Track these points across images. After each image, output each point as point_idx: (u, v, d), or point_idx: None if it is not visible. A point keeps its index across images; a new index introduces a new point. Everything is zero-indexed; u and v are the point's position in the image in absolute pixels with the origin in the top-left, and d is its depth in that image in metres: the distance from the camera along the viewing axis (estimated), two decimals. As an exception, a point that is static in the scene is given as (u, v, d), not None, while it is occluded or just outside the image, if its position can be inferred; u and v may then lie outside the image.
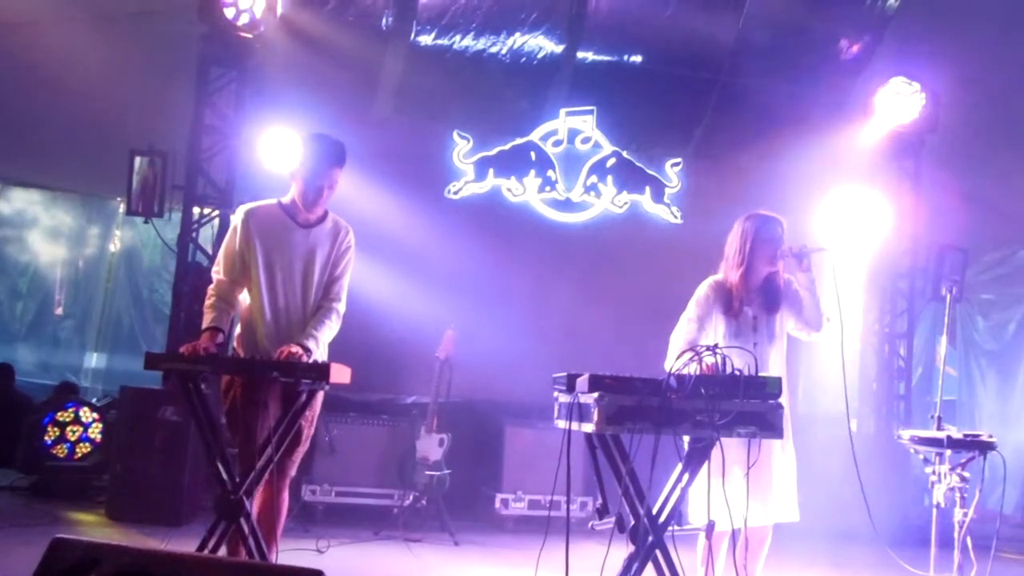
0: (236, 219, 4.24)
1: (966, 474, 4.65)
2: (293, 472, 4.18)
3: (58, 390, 8.59)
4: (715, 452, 3.65)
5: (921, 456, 4.92)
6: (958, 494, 4.66)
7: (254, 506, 3.97)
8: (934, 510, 4.87)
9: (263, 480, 3.88)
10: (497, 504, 7.25)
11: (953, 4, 8.58)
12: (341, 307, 4.26)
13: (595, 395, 3.43)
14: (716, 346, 3.65)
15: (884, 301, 8.95)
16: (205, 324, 4.11)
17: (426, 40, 8.18)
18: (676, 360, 3.61)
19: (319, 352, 4.11)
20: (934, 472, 4.77)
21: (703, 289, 4.48)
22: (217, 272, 4.23)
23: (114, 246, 11.63)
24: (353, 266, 4.37)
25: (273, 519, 4.05)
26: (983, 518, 5.77)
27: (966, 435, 4.62)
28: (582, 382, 3.55)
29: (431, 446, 6.83)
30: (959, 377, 10.72)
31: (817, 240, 4.65)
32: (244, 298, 4.24)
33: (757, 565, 4.39)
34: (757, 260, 4.42)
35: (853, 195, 8.64)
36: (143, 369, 3.90)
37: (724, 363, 3.57)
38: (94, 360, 11.41)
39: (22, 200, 11.11)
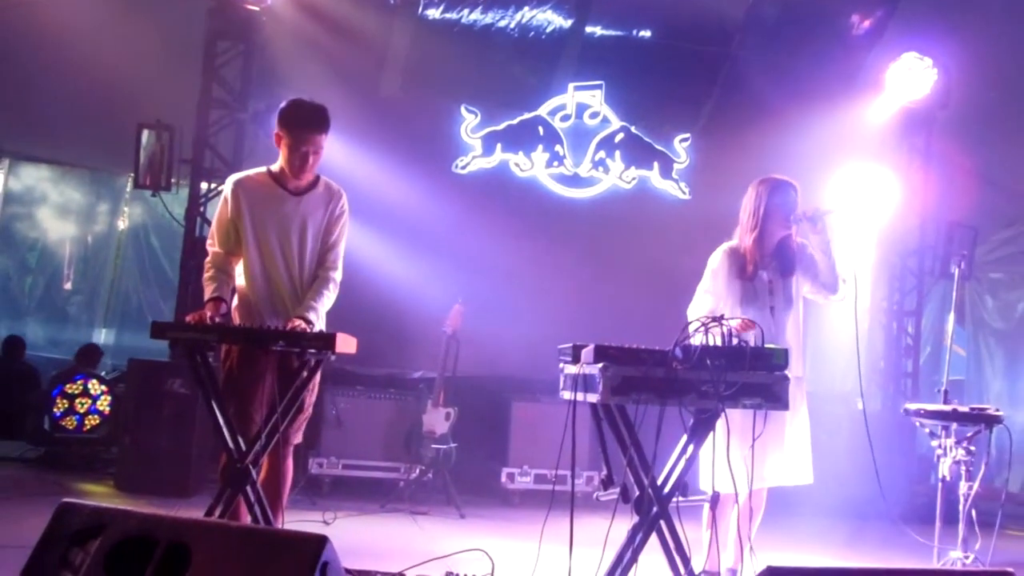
0: (226, 189, 4.22)
1: (972, 448, 4.65)
2: (297, 439, 4.18)
3: (82, 352, 8.57)
4: (724, 423, 3.65)
5: (927, 430, 4.92)
6: (964, 468, 4.66)
7: (260, 475, 4.00)
8: (939, 484, 4.88)
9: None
10: (503, 478, 7.27)
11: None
12: (337, 275, 4.23)
13: (600, 365, 3.43)
14: (722, 317, 3.63)
15: (892, 278, 8.93)
16: (207, 295, 4.10)
17: (434, 14, 8.14)
18: (682, 331, 3.61)
19: (319, 323, 4.10)
20: (940, 446, 4.77)
21: (717, 256, 4.48)
22: (211, 244, 4.21)
23: (123, 222, 11.65)
24: (348, 231, 4.32)
25: (278, 486, 4.06)
26: (989, 495, 5.79)
27: (972, 409, 4.61)
28: (587, 353, 3.55)
29: (438, 420, 6.85)
30: (967, 356, 10.69)
31: (829, 203, 4.63)
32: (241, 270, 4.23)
33: (752, 530, 4.39)
34: (771, 223, 4.42)
35: (863, 171, 8.58)
36: (149, 338, 3.90)
37: (730, 334, 3.56)
38: (103, 336, 11.45)
39: (31, 176, 11.13)
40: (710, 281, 4.46)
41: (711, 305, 4.36)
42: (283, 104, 4.18)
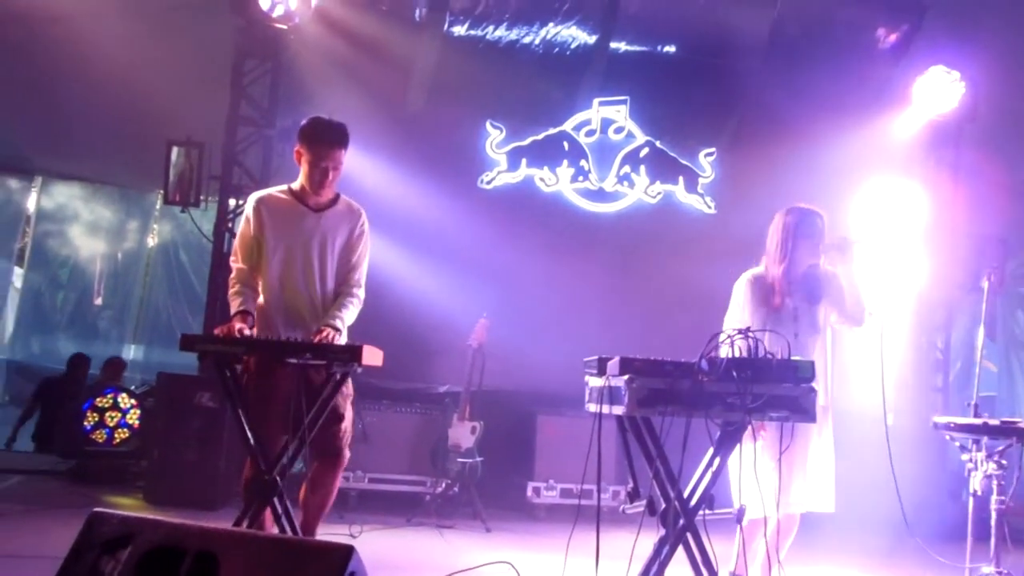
0: (248, 207, 4.28)
1: (1003, 462, 4.59)
2: (341, 447, 4.16)
3: (107, 364, 8.65)
4: (750, 439, 3.63)
5: (958, 444, 4.86)
6: (995, 482, 4.60)
7: (304, 487, 4.09)
8: (970, 499, 4.82)
9: (308, 461, 3.92)
10: (529, 492, 7.26)
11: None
12: (361, 293, 4.28)
13: (626, 378, 3.43)
14: (748, 329, 3.62)
15: (921, 292, 8.83)
16: (234, 310, 4.14)
17: (459, 31, 8.21)
18: (708, 343, 3.60)
19: (342, 336, 4.14)
20: (971, 460, 4.71)
21: (741, 285, 4.45)
22: (235, 261, 4.26)
23: (152, 239, 11.80)
24: (374, 246, 4.38)
25: (323, 497, 4.13)
26: (1021, 512, 5.69)
27: (1004, 422, 4.56)
28: (613, 365, 3.54)
29: (463, 434, 6.86)
30: (999, 372, 10.57)
31: (855, 232, 4.61)
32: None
33: (782, 551, 4.36)
34: (799, 254, 4.39)
35: (891, 185, 8.52)
36: (179, 350, 3.94)
37: (756, 346, 3.55)
38: (132, 352, 11.59)
39: (63, 195, 11.31)
40: (736, 311, 4.44)
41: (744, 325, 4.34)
42: (303, 121, 4.25)
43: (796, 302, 4.40)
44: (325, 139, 4.14)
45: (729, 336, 3.59)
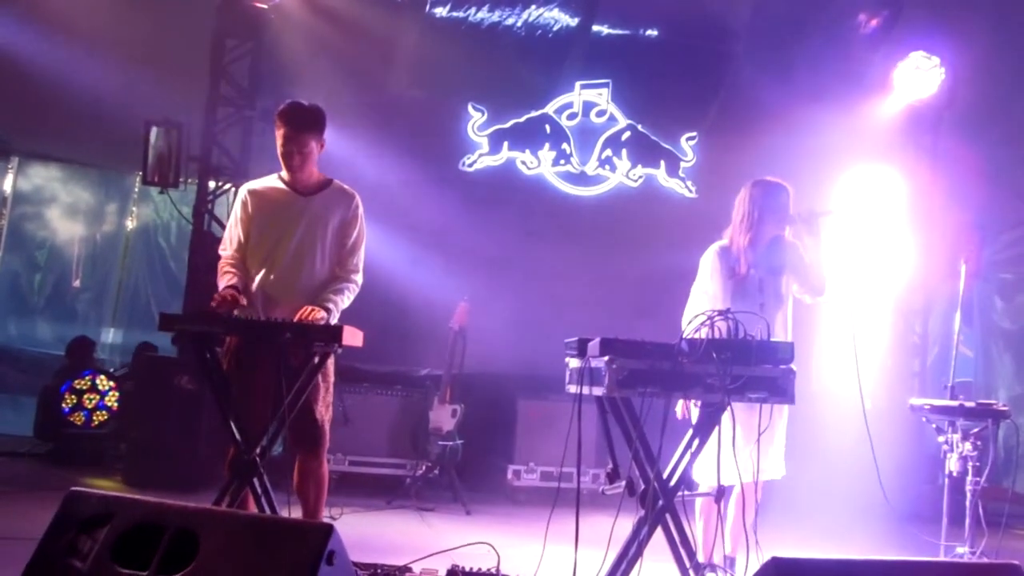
0: (239, 197, 4.32)
1: (978, 443, 4.65)
2: (318, 436, 4.16)
3: (74, 344, 8.48)
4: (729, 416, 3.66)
5: (934, 426, 4.91)
6: (970, 464, 4.66)
7: (294, 476, 4.12)
8: (946, 480, 4.87)
9: (286, 444, 3.93)
10: (509, 475, 7.29)
11: (973, -23, 8.49)
12: (359, 279, 4.30)
13: (606, 358, 3.44)
14: (728, 310, 3.64)
15: (899, 277, 8.88)
16: (223, 285, 4.13)
17: (441, 12, 8.17)
18: (688, 325, 3.62)
19: (334, 318, 4.13)
20: (947, 442, 4.77)
21: (709, 256, 4.56)
22: (224, 250, 4.28)
23: (131, 221, 11.70)
24: (366, 235, 4.38)
25: (310, 486, 4.16)
26: (997, 496, 5.77)
27: (979, 404, 4.61)
28: (593, 346, 3.55)
29: (444, 417, 6.86)
30: (976, 358, 10.63)
31: (823, 205, 4.69)
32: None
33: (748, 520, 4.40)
34: (764, 225, 4.50)
35: (870, 170, 8.57)
36: (157, 329, 3.92)
37: (736, 327, 3.57)
38: (111, 335, 11.50)
39: (40, 176, 11.18)
40: (704, 281, 4.54)
41: (706, 304, 4.40)
42: (280, 107, 4.27)
43: (761, 273, 4.50)
44: (290, 123, 4.16)
45: (709, 317, 3.62)
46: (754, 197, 4.54)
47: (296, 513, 4.12)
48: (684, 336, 3.56)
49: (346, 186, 4.38)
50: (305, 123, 4.16)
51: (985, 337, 10.54)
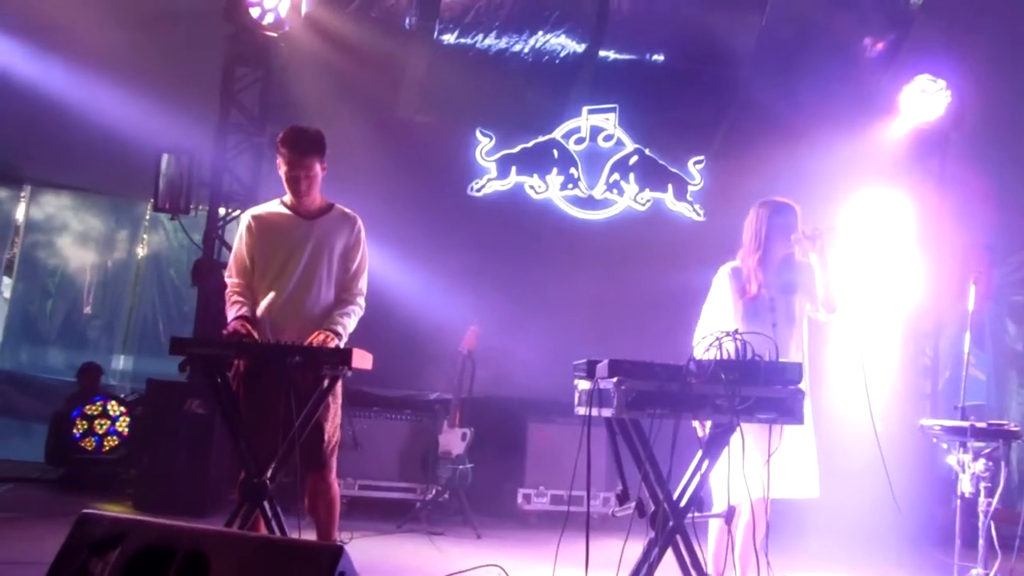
0: (242, 223, 4.34)
1: (990, 463, 4.62)
2: (324, 459, 4.17)
3: (83, 369, 8.49)
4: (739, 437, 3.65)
5: (944, 446, 4.89)
6: (982, 484, 4.64)
7: (305, 500, 4.13)
8: (957, 501, 4.85)
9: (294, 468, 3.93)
10: (519, 499, 7.26)
11: (978, 1, 8.52)
12: (363, 302, 4.32)
13: (615, 380, 3.44)
14: (736, 331, 3.65)
15: (910, 299, 8.86)
16: (233, 315, 4.16)
17: (449, 39, 8.24)
18: (697, 346, 3.63)
19: (343, 341, 4.15)
20: (958, 462, 4.74)
21: (720, 276, 4.57)
22: (230, 277, 4.30)
23: (142, 248, 11.76)
24: (368, 258, 4.40)
25: (326, 507, 4.18)
26: (1010, 519, 5.73)
27: (990, 424, 4.59)
28: (602, 367, 3.57)
29: (454, 441, 6.86)
30: (988, 381, 10.57)
31: (829, 222, 4.71)
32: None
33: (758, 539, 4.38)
34: (773, 244, 4.52)
35: (877, 194, 8.58)
36: (169, 354, 3.94)
37: (744, 348, 3.57)
38: (122, 361, 11.53)
39: (52, 205, 11.27)
40: (715, 301, 4.54)
41: (717, 324, 4.39)
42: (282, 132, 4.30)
43: (772, 293, 4.50)
44: (294, 147, 4.18)
45: (717, 338, 3.62)
46: (762, 217, 4.57)
47: (307, 536, 4.12)
48: (693, 357, 3.57)
49: (347, 209, 4.40)
50: (309, 146, 4.19)
51: (998, 360, 10.48)
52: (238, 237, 4.33)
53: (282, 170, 4.23)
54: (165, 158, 7.51)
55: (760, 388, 3.50)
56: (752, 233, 4.57)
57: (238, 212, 7.55)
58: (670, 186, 8.81)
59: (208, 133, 7.62)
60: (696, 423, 4.12)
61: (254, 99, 7.71)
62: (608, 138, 8.73)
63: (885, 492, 4.35)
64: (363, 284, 4.35)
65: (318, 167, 4.22)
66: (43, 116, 8.88)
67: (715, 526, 4.41)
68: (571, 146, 8.67)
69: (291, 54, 7.74)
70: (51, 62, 8.26)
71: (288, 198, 4.31)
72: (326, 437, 4.14)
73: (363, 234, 4.37)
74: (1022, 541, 4.95)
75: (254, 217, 4.31)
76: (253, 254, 4.25)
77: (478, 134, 8.46)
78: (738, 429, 3.55)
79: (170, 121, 7.91)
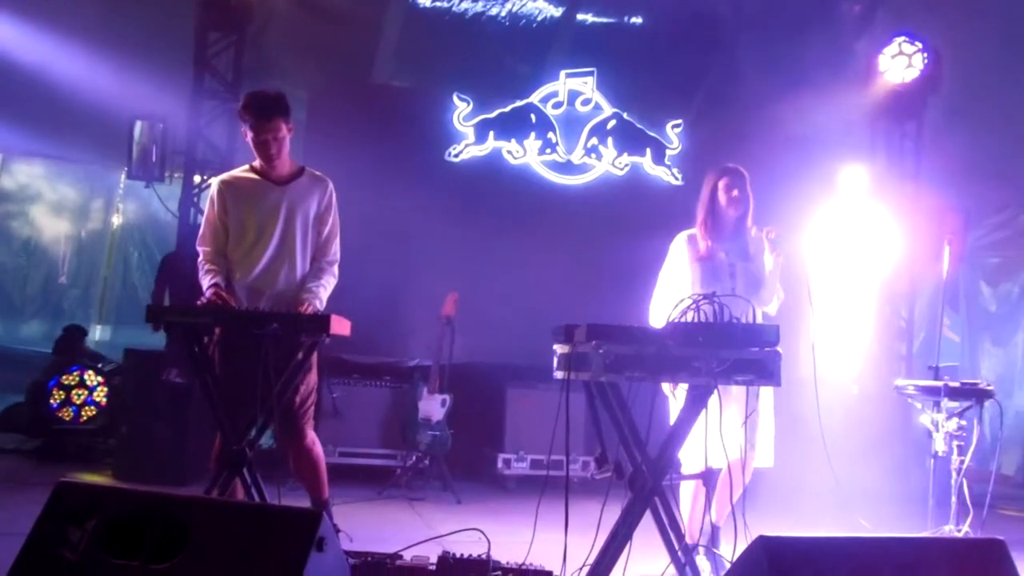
0: (212, 191, 4.31)
1: (963, 422, 4.69)
2: (300, 424, 4.19)
3: (64, 335, 8.40)
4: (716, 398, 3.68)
5: (919, 406, 4.95)
6: (955, 443, 4.70)
7: (291, 463, 4.16)
8: (931, 460, 4.92)
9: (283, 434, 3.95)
10: (499, 464, 7.30)
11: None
12: (336, 270, 4.33)
13: (593, 343, 3.45)
14: (714, 294, 3.66)
15: (885, 262, 8.91)
16: (207, 283, 4.13)
17: (425, 2, 8.18)
18: (674, 309, 3.64)
19: (321, 307, 4.15)
20: (932, 422, 4.81)
21: (677, 242, 4.66)
22: (202, 245, 4.27)
23: (117, 218, 11.66)
24: (341, 220, 4.38)
25: (311, 466, 4.22)
26: (983, 478, 5.82)
27: (963, 383, 4.65)
28: (580, 332, 3.57)
29: (433, 407, 6.87)
30: (961, 343, 10.69)
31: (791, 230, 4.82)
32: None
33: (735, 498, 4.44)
34: (722, 207, 4.59)
35: (854, 156, 8.60)
36: (144, 322, 3.92)
37: (721, 311, 3.59)
38: (98, 332, 11.47)
39: (25, 174, 11.14)
40: (672, 267, 4.59)
41: (673, 289, 4.45)
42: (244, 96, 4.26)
43: (732, 259, 4.53)
44: (258, 112, 4.15)
45: (695, 301, 3.64)
46: (711, 180, 4.66)
47: (288, 503, 4.13)
48: (669, 320, 3.58)
49: (318, 172, 4.38)
50: (272, 109, 4.15)
51: (971, 322, 10.60)
52: (208, 204, 4.30)
53: (249, 136, 4.19)
54: (138, 125, 7.42)
55: (737, 350, 3.52)
56: (704, 197, 4.68)
57: (214, 179, 7.47)
58: (648, 150, 8.78)
59: (182, 99, 7.52)
60: (666, 386, 4.16)
61: (228, 64, 7.59)
62: (586, 102, 8.68)
63: (860, 454, 4.40)
64: (336, 250, 4.33)
65: (284, 128, 4.18)
66: (14, 83, 8.75)
67: (688, 491, 4.45)
68: (549, 110, 8.62)
69: (266, 19, 7.63)
70: (21, 29, 8.11)
71: (258, 163, 4.27)
72: (298, 400, 4.14)
73: (335, 197, 4.35)
74: (993, 499, 5.04)
75: (224, 183, 4.27)
76: (226, 221, 4.21)
77: (455, 99, 8.39)
78: (715, 391, 3.58)
79: (144, 88, 7.81)
